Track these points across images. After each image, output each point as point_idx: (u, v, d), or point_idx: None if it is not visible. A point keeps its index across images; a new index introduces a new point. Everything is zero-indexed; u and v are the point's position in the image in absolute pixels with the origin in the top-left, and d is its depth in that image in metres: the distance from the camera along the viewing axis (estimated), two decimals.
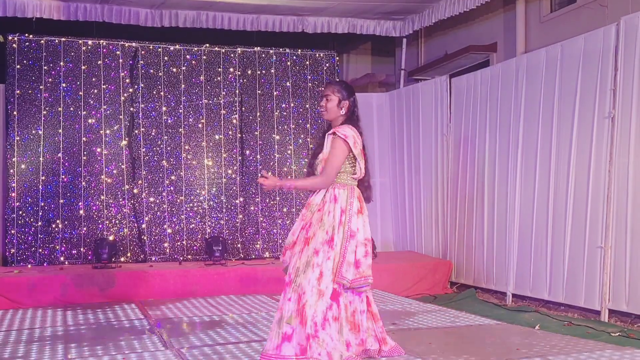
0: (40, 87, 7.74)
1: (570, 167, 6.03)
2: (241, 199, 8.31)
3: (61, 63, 7.82)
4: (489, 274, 7.10)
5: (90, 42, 7.95)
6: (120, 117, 8.00)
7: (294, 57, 8.68)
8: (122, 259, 7.75)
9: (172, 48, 8.22)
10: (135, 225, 7.94)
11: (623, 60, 5.54)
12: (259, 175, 4.09)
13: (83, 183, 7.79)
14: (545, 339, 4.85)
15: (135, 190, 7.97)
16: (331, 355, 3.76)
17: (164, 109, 8.13)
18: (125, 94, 8.02)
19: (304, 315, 3.80)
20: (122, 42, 8.07)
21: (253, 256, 8.23)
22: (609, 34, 5.70)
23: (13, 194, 7.55)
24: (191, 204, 8.15)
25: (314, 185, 4.10)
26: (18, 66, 7.68)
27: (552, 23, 7.33)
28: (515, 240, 6.70)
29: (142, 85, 8.06)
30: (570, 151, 6.04)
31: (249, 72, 8.49)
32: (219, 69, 8.35)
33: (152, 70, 8.12)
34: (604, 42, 5.75)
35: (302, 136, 8.64)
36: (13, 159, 7.58)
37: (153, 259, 7.88)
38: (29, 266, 7.42)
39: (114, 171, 7.93)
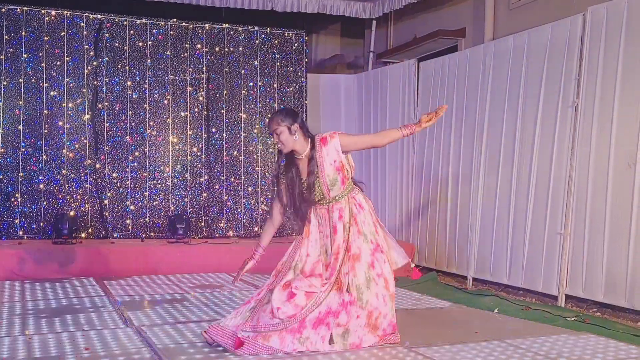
0: (1, 57, 7.52)
1: (533, 154, 6.11)
2: (206, 177, 8.24)
3: (23, 33, 7.62)
4: (451, 258, 7.19)
5: (53, 12, 7.75)
6: (84, 90, 7.83)
7: (263, 36, 8.60)
8: (83, 235, 7.64)
9: (138, 22, 8.06)
10: (97, 201, 7.82)
11: (588, 50, 5.61)
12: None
13: (44, 157, 7.63)
14: (504, 322, 4.94)
15: (97, 166, 7.84)
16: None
17: (128, 83, 7.99)
18: (89, 67, 7.85)
19: (377, 326, 4.00)
20: (86, 14, 7.88)
21: (217, 235, 8.19)
22: (576, 23, 5.76)
23: None
24: (155, 181, 8.05)
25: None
26: None
27: (520, 11, 7.38)
28: (477, 225, 6.78)
29: (107, 58, 7.90)
30: (533, 139, 6.12)
31: (217, 49, 8.38)
32: (186, 45, 8.23)
33: (117, 44, 7.95)
34: (570, 32, 5.81)
35: (269, 115, 8.57)
36: None
37: (115, 235, 7.77)
38: None
39: (76, 145, 7.78)
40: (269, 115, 4.11)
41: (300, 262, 4.00)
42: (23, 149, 7.58)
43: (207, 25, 8.35)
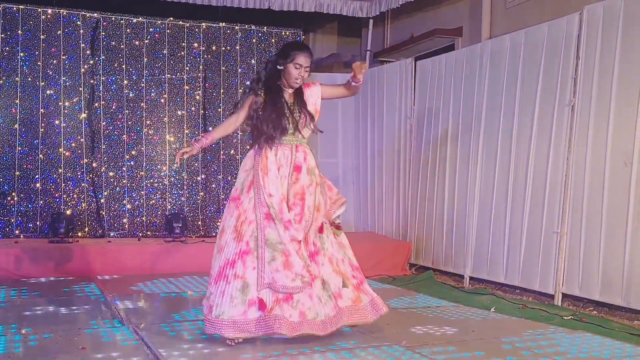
0: None
1: (530, 153, 6.12)
2: (203, 176, 8.23)
3: (19, 31, 7.60)
4: (448, 256, 7.20)
5: (49, 10, 7.73)
6: (80, 89, 7.82)
7: (260, 34, 8.59)
8: (80, 234, 7.63)
9: (134, 20, 8.05)
10: (94, 199, 7.81)
11: (585, 49, 5.62)
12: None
13: (40, 155, 7.62)
14: (500, 321, 4.94)
15: (94, 164, 7.83)
16: None
17: (125, 82, 7.97)
18: (85, 66, 7.84)
19: (343, 273, 4.25)
20: (83, 12, 7.87)
21: (214, 234, 8.18)
22: (572, 22, 5.77)
23: None
24: (152, 180, 8.04)
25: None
26: None
27: (517, 9, 7.38)
28: (474, 224, 6.79)
29: (103, 57, 7.89)
30: (530, 138, 6.12)
31: (214, 48, 8.38)
32: (183, 44, 8.22)
33: (113, 43, 7.94)
34: (566, 31, 5.81)
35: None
36: None
37: (111, 234, 7.76)
38: None
39: (73, 144, 7.77)
40: (300, 46, 4.46)
41: (272, 207, 3.99)
42: (19, 148, 7.57)
43: (203, 24, 8.34)
